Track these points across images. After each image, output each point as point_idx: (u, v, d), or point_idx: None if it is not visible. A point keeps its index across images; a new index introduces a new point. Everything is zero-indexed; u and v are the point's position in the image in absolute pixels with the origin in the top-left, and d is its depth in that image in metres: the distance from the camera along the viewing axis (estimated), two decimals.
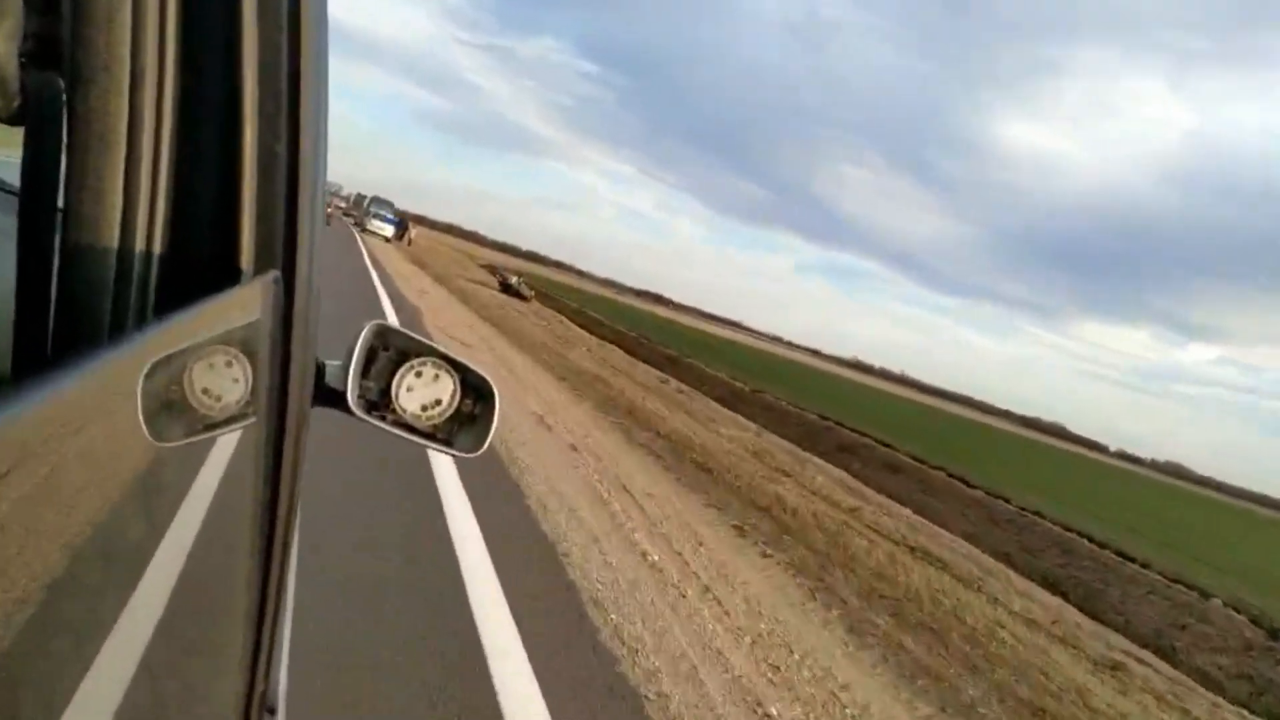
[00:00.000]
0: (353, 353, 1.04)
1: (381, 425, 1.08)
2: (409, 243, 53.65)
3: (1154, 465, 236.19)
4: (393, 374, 1.09)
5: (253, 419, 0.55)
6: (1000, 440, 62.74)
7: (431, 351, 1.12)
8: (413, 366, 1.10)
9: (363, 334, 1.05)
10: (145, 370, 0.42)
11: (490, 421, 1.14)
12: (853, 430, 23.27)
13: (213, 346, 0.49)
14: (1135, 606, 10.73)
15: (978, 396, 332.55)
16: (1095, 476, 51.20)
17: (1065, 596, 10.14)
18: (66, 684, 0.35)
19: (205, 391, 0.49)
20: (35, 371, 0.43)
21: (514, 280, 38.43)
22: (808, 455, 14.98)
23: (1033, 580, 10.39)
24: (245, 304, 0.50)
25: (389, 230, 51.97)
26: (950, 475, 19.86)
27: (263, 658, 0.69)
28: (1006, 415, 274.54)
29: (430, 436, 1.12)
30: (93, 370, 0.39)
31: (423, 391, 1.10)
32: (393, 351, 1.10)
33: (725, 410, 18.60)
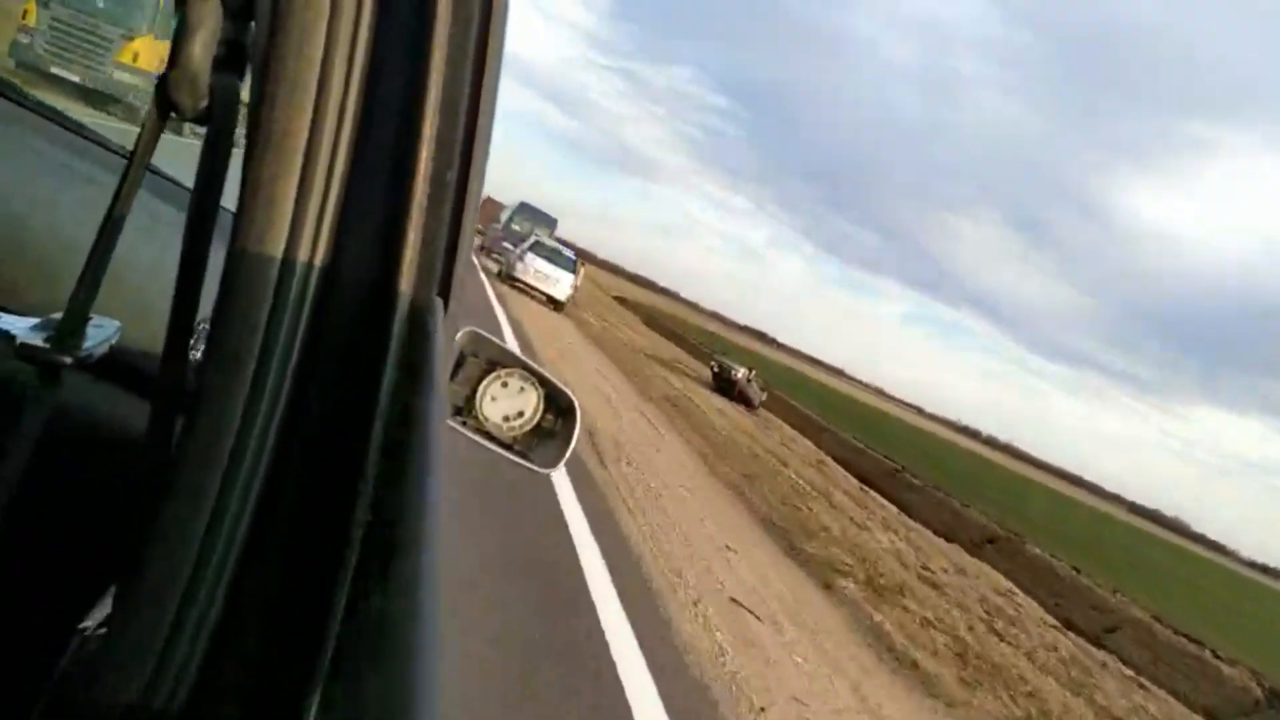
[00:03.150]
0: None
1: (462, 430, 1.12)
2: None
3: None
4: (479, 381, 1.14)
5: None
6: (1137, 540, 58.41)
7: (519, 363, 1.16)
8: (499, 376, 1.14)
9: (455, 338, 1.05)
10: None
11: (570, 438, 1.18)
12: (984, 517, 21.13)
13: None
14: None
15: (1087, 476, 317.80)
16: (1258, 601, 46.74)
17: None
18: None
19: None
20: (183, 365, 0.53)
21: (739, 374, 22.92)
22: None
23: None
24: (408, 326, 0.51)
25: (560, 283, 24.78)
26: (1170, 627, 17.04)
27: None
28: (1117, 499, 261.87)
29: (509, 447, 1.15)
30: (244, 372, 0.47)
31: (506, 402, 1.15)
32: (482, 359, 1.15)
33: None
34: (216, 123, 0.52)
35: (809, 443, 21.41)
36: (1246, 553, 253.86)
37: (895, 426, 65.45)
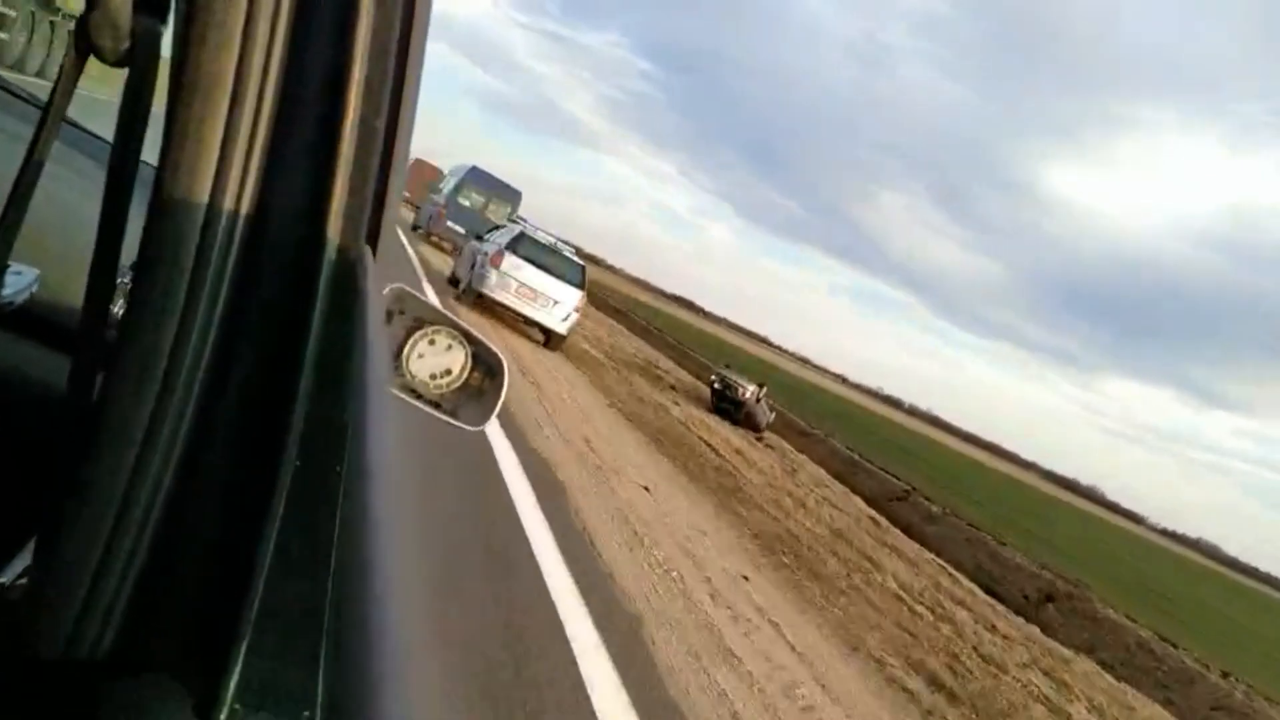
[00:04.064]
0: None
1: (388, 387, 1.01)
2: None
3: (1197, 545, 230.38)
4: (406, 339, 1.13)
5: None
6: (1087, 522, 57.61)
7: (446, 321, 1.16)
8: (426, 334, 1.14)
9: (382, 294, 0.99)
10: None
11: (497, 397, 1.20)
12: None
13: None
14: None
15: (1006, 445, 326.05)
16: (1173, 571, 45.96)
17: None
18: None
19: None
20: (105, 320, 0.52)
21: (748, 392, 18.03)
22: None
23: None
24: (336, 274, 0.51)
25: (559, 305, 14.86)
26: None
27: None
28: (1033, 468, 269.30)
29: (436, 405, 1.15)
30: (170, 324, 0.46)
31: (433, 360, 1.15)
32: (408, 316, 1.14)
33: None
34: (138, 67, 0.51)
35: (858, 501, 16.94)
36: (1155, 519, 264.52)
37: (833, 402, 63.33)
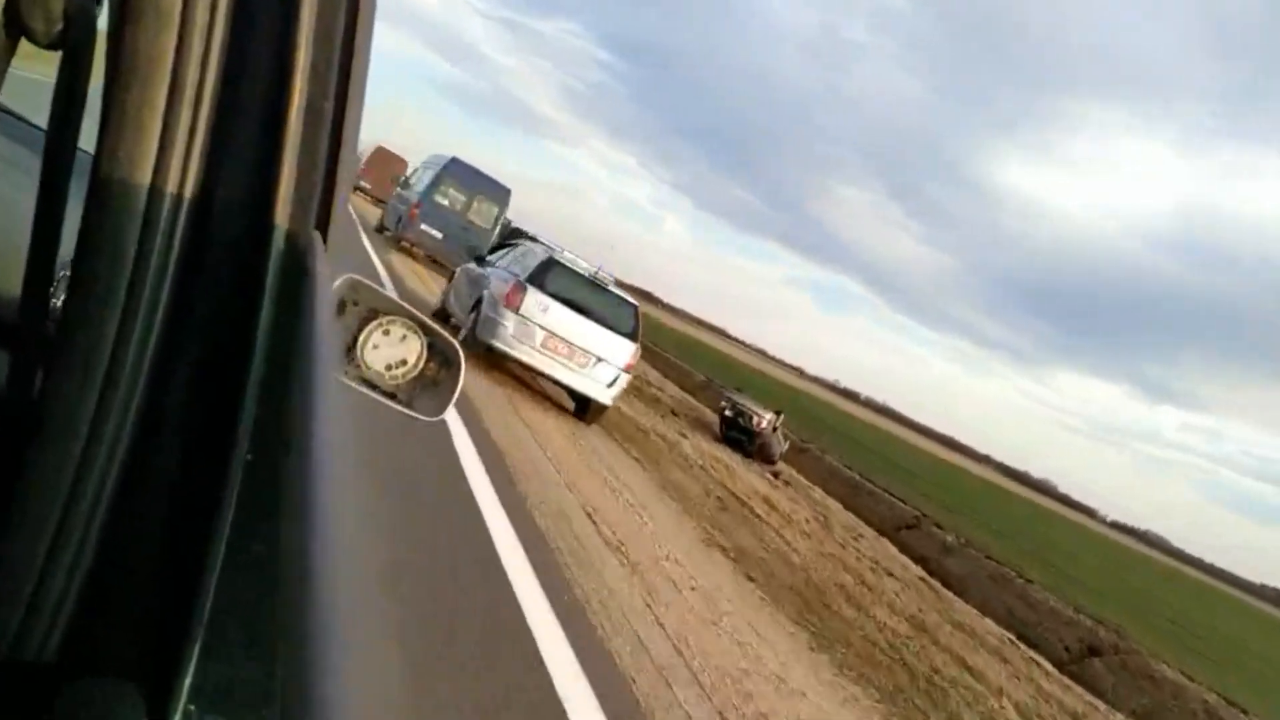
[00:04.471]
0: None
1: (342, 379, 1.08)
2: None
3: (1145, 538, 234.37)
4: (360, 329, 1.11)
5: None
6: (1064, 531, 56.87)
7: (401, 311, 1.13)
8: (381, 324, 1.12)
9: (334, 285, 1.02)
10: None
11: (454, 388, 1.17)
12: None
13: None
14: None
15: (961, 438, 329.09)
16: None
17: None
18: None
19: None
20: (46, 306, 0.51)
21: (764, 421, 15.85)
22: None
23: None
24: (285, 262, 0.49)
25: (604, 366, 9.84)
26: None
27: None
28: (987, 461, 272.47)
29: (391, 396, 1.14)
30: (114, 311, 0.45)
31: (389, 350, 1.12)
32: (363, 307, 1.11)
33: None
34: (72, 49, 0.48)
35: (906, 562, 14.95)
36: (1105, 511, 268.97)
37: (791, 394, 62.27)
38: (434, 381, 1.15)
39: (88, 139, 0.49)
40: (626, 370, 10.05)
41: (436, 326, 1.15)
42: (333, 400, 0.48)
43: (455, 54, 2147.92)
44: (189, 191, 0.46)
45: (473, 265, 11.69)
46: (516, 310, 9.66)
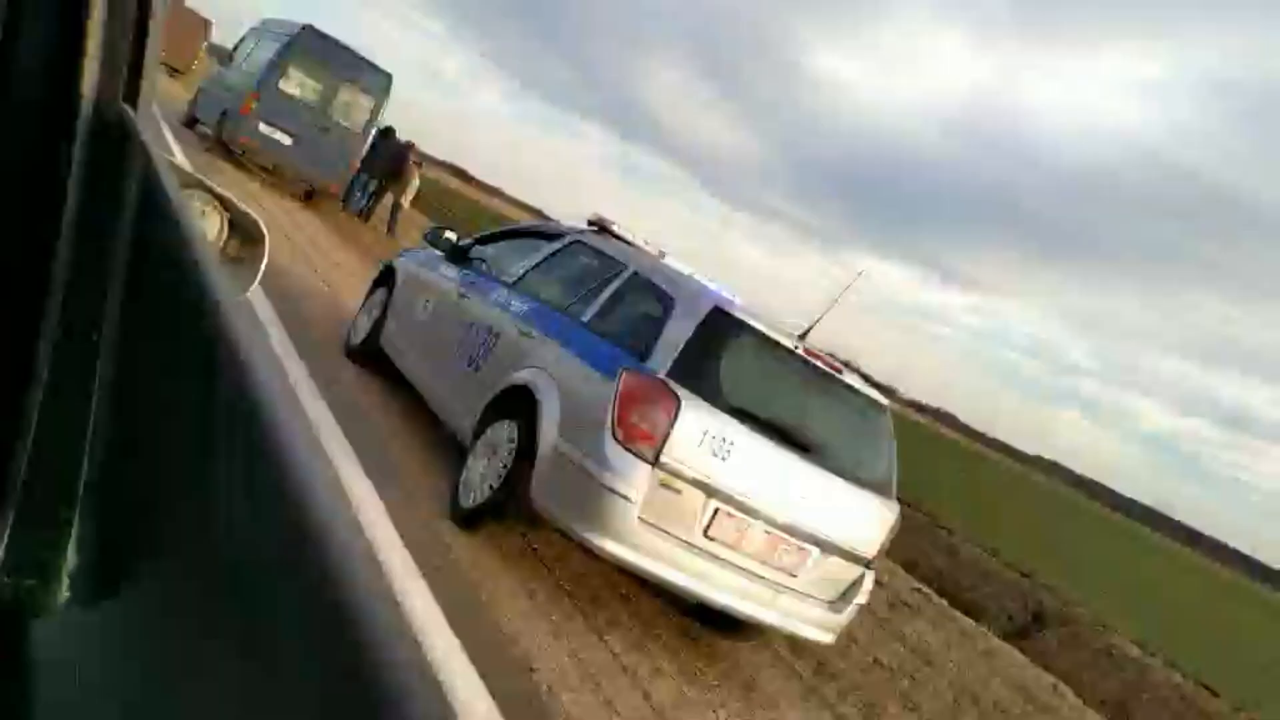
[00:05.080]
0: None
1: None
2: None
3: (939, 414, 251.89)
4: None
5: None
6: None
7: (199, 185, 1.07)
8: None
9: None
10: None
11: (258, 266, 1.13)
12: None
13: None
14: None
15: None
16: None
17: None
18: None
19: None
20: None
21: None
22: None
23: None
24: (92, 133, 0.47)
25: (826, 585, 4.09)
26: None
27: None
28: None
29: None
30: None
31: None
32: None
33: None
34: None
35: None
36: (904, 391, 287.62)
37: None
38: (235, 260, 1.10)
39: None
40: (871, 566, 4.44)
41: (238, 202, 1.09)
42: (150, 269, 0.46)
43: None
44: None
45: (442, 272, 5.84)
46: (655, 460, 3.80)
